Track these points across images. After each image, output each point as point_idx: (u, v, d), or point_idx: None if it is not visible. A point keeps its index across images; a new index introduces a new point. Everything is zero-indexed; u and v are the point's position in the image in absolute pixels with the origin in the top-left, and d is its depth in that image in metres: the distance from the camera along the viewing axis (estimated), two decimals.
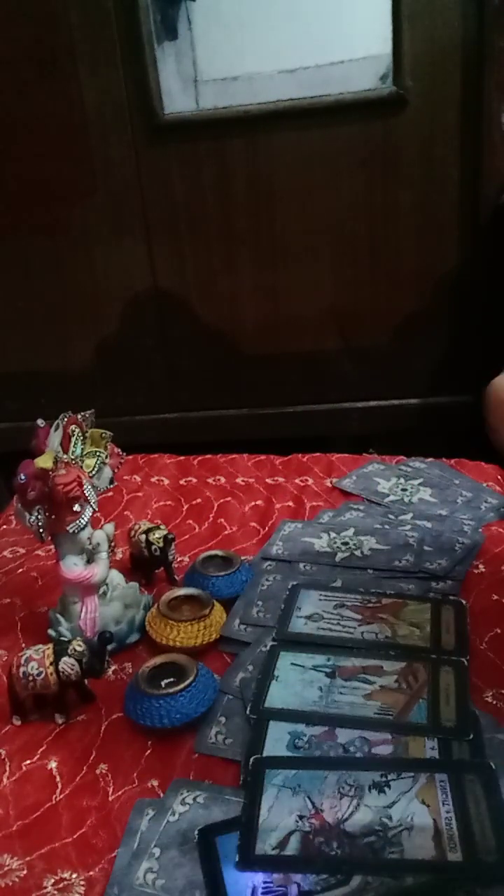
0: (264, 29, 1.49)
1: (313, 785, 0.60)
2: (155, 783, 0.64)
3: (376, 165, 1.53)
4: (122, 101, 1.53)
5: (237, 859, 0.54)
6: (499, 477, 1.18)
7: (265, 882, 0.52)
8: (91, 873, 0.56)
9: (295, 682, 0.72)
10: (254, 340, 1.71)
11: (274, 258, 1.63)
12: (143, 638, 0.83)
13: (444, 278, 1.61)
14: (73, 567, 0.81)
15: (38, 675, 0.69)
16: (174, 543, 0.93)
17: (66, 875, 0.56)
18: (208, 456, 1.32)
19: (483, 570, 0.92)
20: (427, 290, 1.63)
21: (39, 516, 0.78)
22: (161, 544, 0.91)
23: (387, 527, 1.02)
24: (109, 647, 0.73)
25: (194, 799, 0.60)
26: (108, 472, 0.83)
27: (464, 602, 0.84)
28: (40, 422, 0.80)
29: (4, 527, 1.13)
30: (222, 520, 1.10)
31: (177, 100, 1.54)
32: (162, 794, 0.62)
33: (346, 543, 0.98)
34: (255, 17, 1.48)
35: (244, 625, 0.83)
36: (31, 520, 0.79)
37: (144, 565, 0.94)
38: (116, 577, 0.88)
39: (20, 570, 1.00)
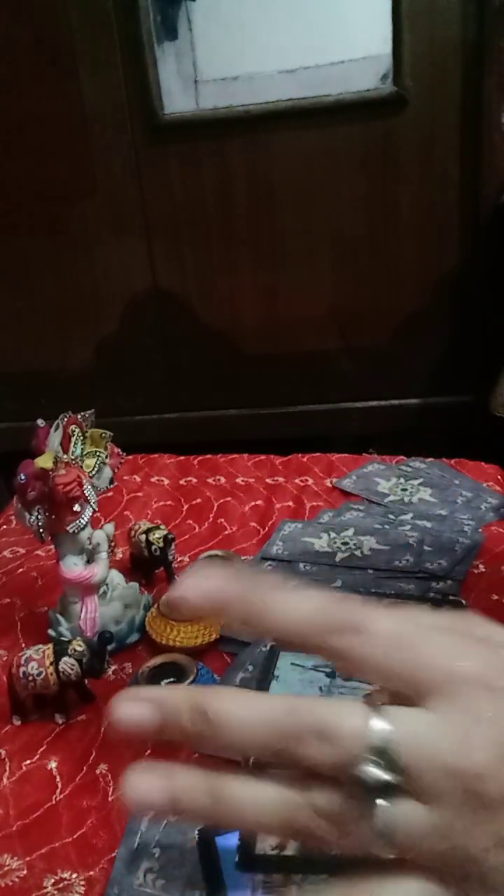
0: (264, 29, 1.49)
1: None
2: None
3: (376, 165, 1.53)
4: (122, 101, 1.53)
5: (237, 860, 0.54)
6: (499, 477, 1.18)
7: (265, 882, 0.52)
8: (91, 873, 0.56)
9: (295, 682, 0.72)
10: (254, 340, 1.71)
11: (274, 258, 1.63)
12: (143, 638, 0.83)
13: (444, 278, 1.61)
14: (73, 567, 0.81)
15: (38, 675, 0.69)
16: (174, 543, 0.93)
17: (66, 875, 0.56)
18: (208, 456, 1.32)
19: (483, 570, 0.92)
20: (427, 290, 1.63)
21: (39, 516, 0.78)
22: (161, 544, 0.91)
23: (387, 527, 1.02)
24: (109, 647, 0.73)
25: None
26: (108, 472, 0.83)
27: (464, 602, 0.84)
28: (40, 422, 0.80)
29: (4, 527, 1.13)
30: (222, 520, 1.10)
31: (177, 100, 1.54)
32: None
33: (346, 543, 0.98)
34: (255, 17, 1.49)
35: None
36: (31, 520, 0.79)
37: (144, 565, 0.93)
38: (116, 577, 0.88)
39: (20, 570, 1.00)
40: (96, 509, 0.79)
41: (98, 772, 0.65)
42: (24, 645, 0.83)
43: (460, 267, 1.60)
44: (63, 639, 0.76)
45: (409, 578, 0.90)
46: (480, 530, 1.00)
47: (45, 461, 0.78)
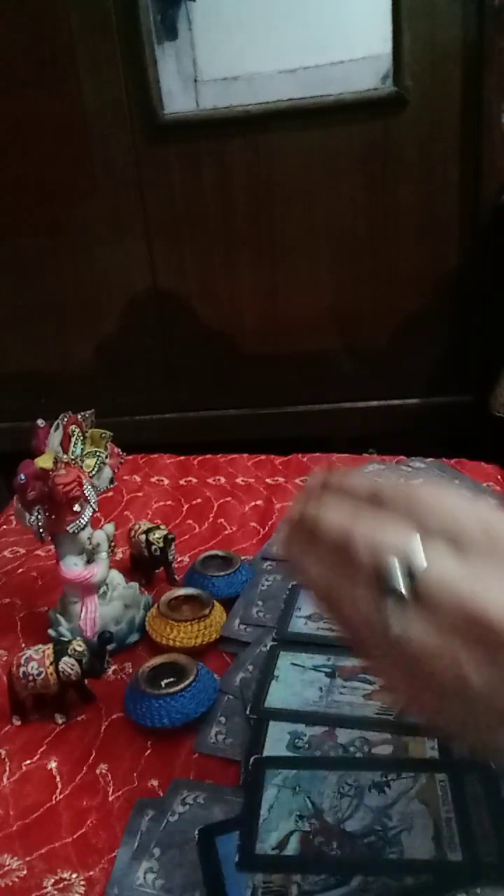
0: (264, 29, 1.49)
1: (313, 785, 0.60)
2: (155, 783, 0.64)
3: (376, 165, 1.53)
4: (122, 101, 1.53)
5: (237, 860, 0.54)
6: (499, 477, 1.18)
7: (265, 882, 0.52)
8: (91, 873, 0.56)
9: (295, 682, 0.72)
10: (254, 340, 1.71)
11: (274, 258, 1.63)
12: (143, 638, 0.83)
13: (444, 278, 1.61)
14: (73, 567, 0.81)
15: (38, 675, 0.69)
16: (174, 543, 0.93)
17: (66, 875, 0.56)
18: (208, 456, 1.32)
19: None
20: (427, 290, 1.63)
21: (39, 516, 0.78)
22: (161, 544, 0.91)
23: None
24: (109, 647, 0.73)
25: (194, 799, 0.60)
26: (108, 472, 0.83)
27: None
28: (40, 422, 0.80)
29: (4, 527, 1.13)
30: (222, 520, 1.10)
31: (177, 100, 1.54)
32: (162, 794, 0.62)
33: None
34: (255, 17, 1.49)
35: (244, 625, 0.83)
36: (31, 520, 0.79)
37: (144, 565, 0.93)
38: (116, 577, 0.88)
39: (20, 570, 1.00)
40: (96, 509, 0.79)
41: (98, 772, 0.65)
42: (24, 645, 0.83)
43: (460, 267, 1.60)
44: (63, 639, 0.76)
45: None
46: None
47: (45, 461, 0.78)
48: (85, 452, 0.81)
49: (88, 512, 0.78)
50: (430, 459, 1.25)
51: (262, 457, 1.30)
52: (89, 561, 0.82)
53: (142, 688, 0.69)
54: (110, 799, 0.62)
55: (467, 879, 0.51)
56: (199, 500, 1.16)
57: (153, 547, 0.91)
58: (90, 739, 0.69)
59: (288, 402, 1.76)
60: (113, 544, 0.89)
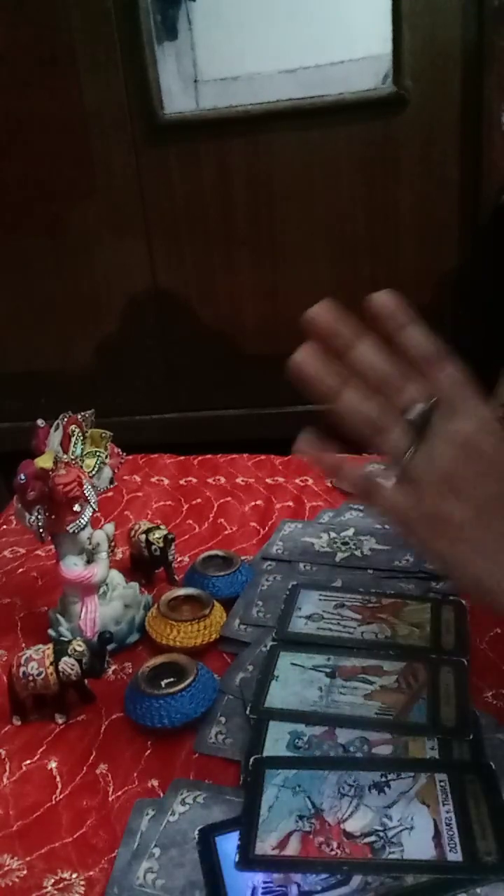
0: (264, 29, 1.49)
1: (313, 785, 0.60)
2: (155, 783, 0.64)
3: (376, 165, 1.53)
4: (122, 101, 1.53)
5: (237, 859, 0.54)
6: None
7: (265, 882, 0.52)
8: (91, 873, 0.56)
9: (295, 682, 0.72)
10: (254, 340, 1.71)
11: (274, 258, 1.63)
12: (143, 638, 0.83)
13: (444, 278, 1.61)
14: (73, 567, 0.81)
15: (38, 675, 0.69)
16: (174, 543, 0.93)
17: (66, 875, 0.56)
18: (208, 456, 1.32)
19: None
20: (427, 291, 1.63)
21: (39, 516, 0.78)
22: (161, 544, 0.91)
23: (387, 527, 1.02)
24: (109, 647, 0.73)
25: (194, 799, 0.60)
26: (108, 472, 0.83)
27: (464, 602, 0.84)
28: (40, 422, 0.80)
29: (4, 527, 1.13)
30: (222, 520, 1.10)
31: (177, 100, 1.54)
32: (162, 795, 0.62)
33: (346, 543, 0.98)
34: (255, 17, 1.49)
35: (244, 625, 0.83)
36: (31, 520, 0.79)
37: (144, 565, 0.93)
38: (116, 577, 0.88)
39: (20, 570, 1.00)
40: (96, 509, 0.79)
41: (98, 772, 0.65)
42: (24, 645, 0.83)
43: (460, 267, 1.60)
44: (63, 639, 0.76)
45: (409, 578, 0.90)
46: None
47: (45, 461, 0.78)
48: (85, 452, 0.81)
49: (88, 512, 0.78)
50: None
51: (262, 457, 1.30)
52: (89, 561, 0.82)
53: (142, 688, 0.69)
54: (110, 799, 0.62)
55: (467, 879, 0.51)
56: (199, 500, 1.16)
57: (153, 547, 0.91)
58: (90, 739, 0.69)
59: (288, 402, 1.76)
60: (113, 544, 0.89)
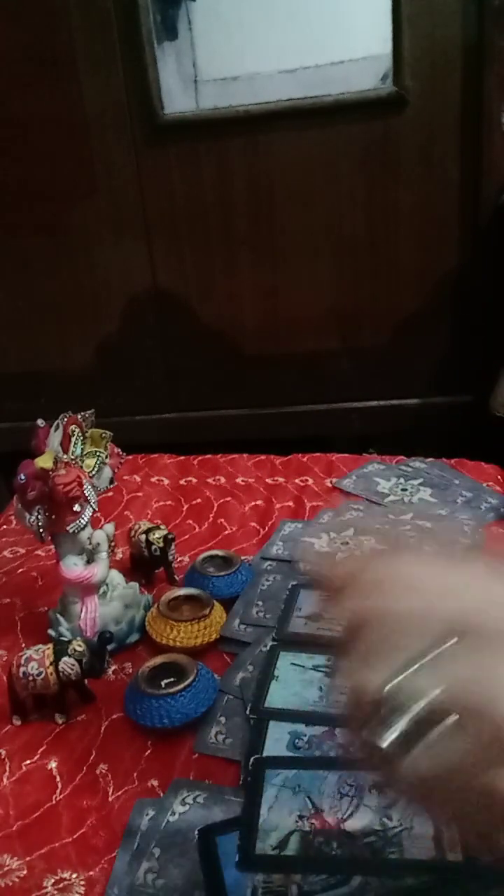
0: (264, 29, 1.49)
1: (313, 785, 0.60)
2: (155, 783, 0.64)
3: (376, 165, 1.53)
4: (122, 101, 1.53)
5: (237, 860, 0.54)
6: (499, 477, 1.18)
7: (265, 882, 0.52)
8: (91, 873, 0.56)
9: (295, 682, 0.72)
10: (254, 340, 1.71)
11: (274, 258, 1.63)
12: (143, 638, 0.83)
13: (444, 278, 1.61)
14: (73, 567, 0.81)
15: (38, 675, 0.69)
16: (174, 543, 0.93)
17: (66, 875, 0.56)
18: (208, 456, 1.32)
19: None
20: (427, 290, 1.63)
21: (39, 516, 0.78)
22: (161, 544, 0.91)
23: (387, 527, 1.02)
24: (109, 647, 0.73)
25: (194, 799, 0.60)
26: (108, 472, 0.83)
27: None
28: (40, 422, 0.80)
29: (4, 527, 1.13)
30: (222, 520, 1.10)
31: (177, 100, 1.54)
32: (162, 795, 0.62)
33: (346, 543, 0.98)
34: (255, 17, 1.49)
35: (244, 625, 0.83)
36: (31, 520, 0.79)
37: (144, 565, 0.94)
38: (116, 577, 0.88)
39: (20, 570, 1.00)
40: (96, 509, 0.79)
41: (98, 772, 0.65)
42: (24, 645, 0.83)
43: (460, 267, 1.60)
44: (63, 639, 0.76)
45: None
46: (480, 530, 1.00)
47: (45, 461, 0.78)
48: (85, 452, 0.81)
49: (88, 512, 0.78)
50: (430, 459, 1.25)
51: (262, 457, 1.31)
52: (89, 561, 0.82)
53: (142, 688, 0.69)
54: (110, 799, 0.62)
55: (467, 879, 0.51)
56: (199, 500, 1.16)
57: (153, 547, 0.91)
58: (90, 739, 0.69)
59: (288, 402, 1.76)
60: (113, 544, 0.89)
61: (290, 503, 1.13)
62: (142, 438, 1.55)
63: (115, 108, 1.54)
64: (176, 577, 0.93)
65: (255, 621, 0.84)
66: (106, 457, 0.83)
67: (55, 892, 0.54)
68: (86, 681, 0.72)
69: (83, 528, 0.79)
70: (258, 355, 1.72)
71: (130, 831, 0.58)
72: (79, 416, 0.80)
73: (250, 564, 0.95)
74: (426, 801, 0.34)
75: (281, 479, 1.22)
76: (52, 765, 0.66)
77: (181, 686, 0.69)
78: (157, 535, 0.91)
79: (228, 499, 1.16)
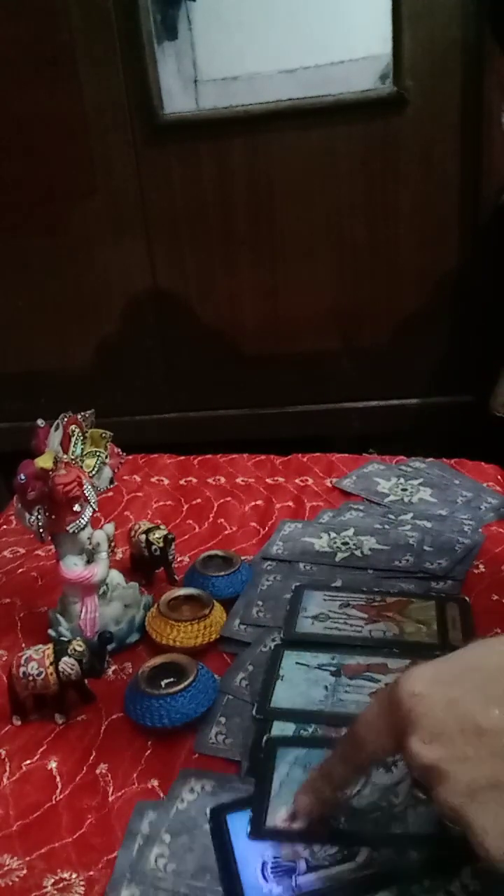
0: (264, 29, 1.49)
1: None
2: (155, 783, 0.64)
3: (376, 165, 1.53)
4: (122, 101, 1.53)
5: (248, 830, 0.55)
6: (499, 477, 1.18)
7: (275, 857, 0.53)
8: (91, 873, 0.56)
9: (300, 682, 0.72)
10: (254, 340, 1.71)
11: (274, 258, 1.63)
12: (143, 638, 0.83)
13: (445, 278, 1.61)
14: (73, 567, 0.81)
15: (38, 675, 0.69)
16: (174, 543, 0.93)
17: (66, 875, 0.56)
18: (208, 456, 1.32)
19: (483, 570, 0.92)
20: (427, 290, 1.63)
21: (39, 516, 0.78)
22: (161, 544, 0.91)
23: (387, 527, 1.02)
24: (109, 647, 0.73)
25: (202, 787, 0.61)
26: (108, 472, 0.83)
27: (467, 599, 0.84)
28: (40, 422, 0.80)
29: (4, 527, 1.13)
30: (222, 520, 1.10)
31: (177, 100, 1.54)
32: (162, 795, 0.62)
33: (346, 543, 0.98)
34: (255, 17, 1.49)
35: (244, 625, 0.83)
36: (31, 520, 0.79)
37: (144, 565, 0.93)
38: (116, 577, 0.88)
39: (20, 570, 1.00)
40: (96, 509, 0.79)
41: (98, 772, 0.65)
42: (24, 645, 0.83)
43: (460, 267, 1.60)
44: (63, 639, 0.76)
45: (409, 578, 0.90)
46: (480, 530, 1.00)
47: (45, 461, 0.78)
48: (85, 452, 0.81)
49: (88, 512, 0.78)
50: (430, 459, 1.25)
51: (262, 457, 1.30)
52: (89, 561, 0.82)
53: (142, 688, 0.69)
54: (110, 799, 0.62)
55: (469, 852, 0.52)
56: (199, 500, 1.16)
57: (153, 547, 0.91)
58: (90, 739, 0.69)
59: (288, 402, 1.76)
60: (113, 544, 0.89)
61: (290, 503, 1.13)
62: (142, 438, 1.55)
63: (115, 108, 1.54)
64: (176, 577, 0.93)
65: (256, 621, 0.84)
66: (106, 457, 0.83)
67: (55, 892, 0.54)
68: (86, 681, 0.72)
69: (83, 528, 0.79)
70: (258, 355, 1.72)
71: (131, 832, 0.58)
72: (79, 416, 0.80)
73: (250, 564, 0.95)
74: None
75: (281, 479, 1.22)
76: (52, 765, 0.66)
77: (181, 686, 0.69)
78: (157, 535, 0.91)
79: (228, 499, 1.16)
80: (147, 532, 0.92)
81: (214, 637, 0.80)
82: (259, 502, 1.14)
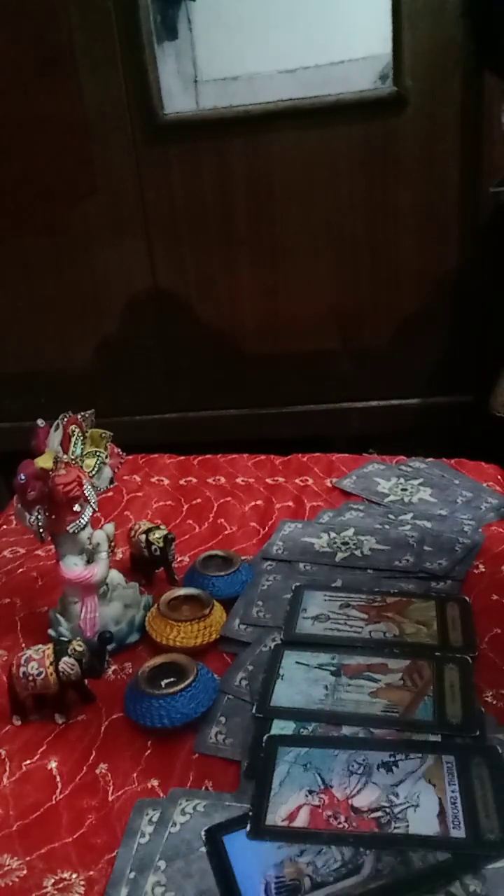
0: (264, 29, 1.49)
1: (324, 763, 0.61)
2: (155, 783, 0.64)
3: (376, 165, 1.53)
4: (122, 101, 1.53)
5: (248, 829, 0.55)
6: (499, 477, 1.18)
7: (278, 877, 0.52)
8: (91, 873, 0.56)
9: (300, 681, 0.72)
10: (254, 340, 1.71)
11: (274, 258, 1.63)
12: (143, 638, 0.83)
13: (444, 278, 1.61)
14: (73, 567, 0.81)
15: (38, 675, 0.69)
16: (174, 543, 0.93)
17: (66, 875, 0.56)
18: (208, 456, 1.32)
19: (483, 570, 0.92)
20: (427, 290, 1.63)
21: (39, 516, 0.78)
22: (161, 544, 0.91)
23: (387, 527, 1.02)
24: (109, 647, 0.73)
25: (194, 808, 0.60)
26: (108, 472, 0.83)
27: (467, 599, 0.84)
28: (40, 422, 0.80)
29: (4, 527, 1.13)
30: (222, 520, 1.10)
31: (177, 100, 1.54)
32: (162, 795, 0.62)
33: (346, 543, 0.98)
34: (255, 17, 1.49)
35: (244, 625, 0.83)
36: (31, 520, 0.79)
37: (144, 565, 0.94)
38: (116, 577, 0.88)
39: (20, 570, 1.00)
40: (96, 509, 0.79)
41: (98, 772, 0.65)
42: (24, 645, 0.83)
43: (460, 267, 1.60)
44: (63, 639, 0.76)
45: (409, 578, 0.90)
46: (480, 530, 1.00)
47: (45, 461, 0.78)
48: (85, 452, 0.81)
49: (88, 512, 0.78)
50: (430, 459, 1.25)
51: (262, 457, 1.31)
52: (89, 561, 0.82)
53: (142, 688, 0.69)
54: (110, 799, 0.62)
55: (471, 861, 0.53)
56: (199, 500, 1.16)
57: (153, 547, 0.91)
58: (90, 739, 0.69)
59: (288, 402, 1.76)
60: (113, 544, 0.89)
61: (290, 503, 1.13)
62: (142, 438, 1.55)
63: (115, 108, 1.54)
64: (176, 577, 0.93)
65: (255, 621, 0.84)
66: (106, 457, 0.83)
67: (55, 892, 0.54)
68: (86, 681, 0.72)
69: (83, 528, 0.79)
70: (258, 355, 1.72)
71: (130, 832, 0.58)
72: (79, 416, 0.80)
73: (250, 564, 0.95)
74: None
75: (281, 479, 1.22)
76: (52, 765, 0.66)
77: (181, 686, 0.69)
78: (157, 535, 0.91)
79: (228, 499, 1.16)
80: (147, 532, 0.92)
81: (214, 637, 0.80)
82: (259, 502, 1.14)
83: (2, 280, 1.71)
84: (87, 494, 0.77)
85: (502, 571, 0.91)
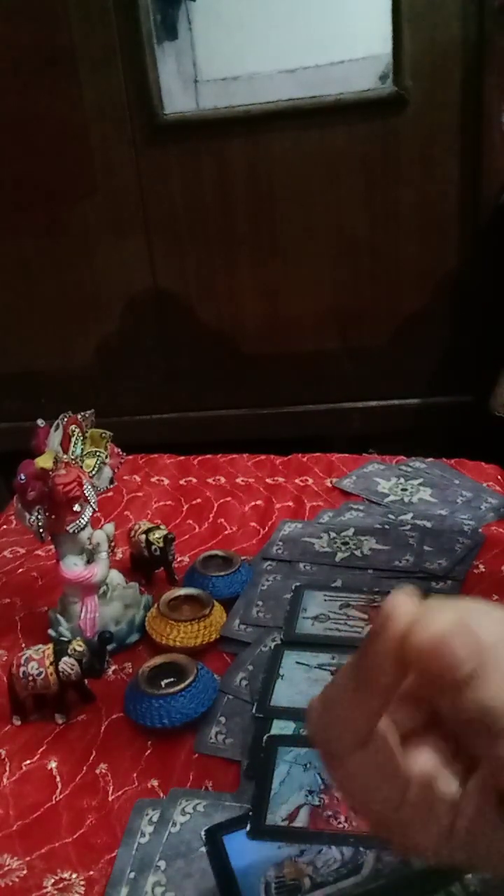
0: (264, 29, 1.49)
1: None
2: (155, 783, 0.64)
3: (376, 165, 1.53)
4: (122, 101, 1.53)
5: (248, 829, 0.55)
6: (499, 477, 1.18)
7: (278, 877, 0.52)
8: (91, 873, 0.56)
9: (300, 681, 0.72)
10: (254, 340, 1.71)
11: (274, 258, 1.63)
12: (143, 638, 0.83)
13: (444, 278, 1.61)
14: (73, 567, 0.81)
15: (38, 675, 0.69)
16: (174, 543, 0.93)
17: (66, 875, 0.56)
18: (208, 456, 1.32)
19: (483, 570, 0.92)
20: (427, 291, 1.63)
21: (39, 516, 0.78)
22: (161, 544, 0.91)
23: (387, 527, 1.02)
24: (109, 647, 0.73)
25: (194, 808, 0.60)
26: (108, 472, 0.83)
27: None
28: (40, 422, 0.80)
29: (4, 527, 1.13)
30: (222, 520, 1.10)
31: (177, 100, 1.54)
32: (162, 795, 0.62)
33: (346, 543, 0.98)
34: (255, 17, 1.49)
35: (244, 625, 0.83)
36: (31, 520, 0.79)
37: (144, 565, 0.93)
38: (116, 577, 0.88)
39: (20, 570, 1.00)
40: (96, 509, 0.79)
41: (98, 772, 0.65)
42: (24, 645, 0.83)
43: (460, 267, 1.60)
44: (63, 639, 0.76)
45: (409, 578, 0.90)
46: (480, 530, 1.00)
47: (45, 461, 0.78)
48: (85, 452, 0.81)
49: (88, 512, 0.78)
50: (430, 459, 1.25)
51: (262, 457, 1.30)
52: (89, 561, 0.82)
53: (142, 688, 0.69)
54: (110, 799, 0.62)
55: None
56: (199, 500, 1.16)
57: (153, 547, 0.91)
58: (90, 739, 0.69)
59: (288, 402, 1.76)
60: (113, 544, 0.89)
61: (290, 503, 1.13)
62: (142, 438, 1.55)
63: (115, 108, 1.54)
64: (176, 577, 0.93)
65: (255, 621, 0.84)
66: (106, 457, 0.83)
67: (55, 892, 0.54)
68: (86, 681, 0.72)
69: (83, 528, 0.79)
70: (258, 355, 1.72)
71: (131, 831, 0.58)
72: (79, 416, 0.80)
73: (250, 564, 0.95)
74: None
75: (281, 479, 1.21)
76: (52, 765, 0.66)
77: (181, 686, 0.69)
78: (157, 535, 0.91)
79: (228, 499, 1.16)
80: (147, 532, 0.92)
81: (214, 637, 0.80)
82: (259, 502, 1.14)
83: (2, 280, 1.71)
84: (87, 494, 0.77)
85: (502, 571, 0.91)
